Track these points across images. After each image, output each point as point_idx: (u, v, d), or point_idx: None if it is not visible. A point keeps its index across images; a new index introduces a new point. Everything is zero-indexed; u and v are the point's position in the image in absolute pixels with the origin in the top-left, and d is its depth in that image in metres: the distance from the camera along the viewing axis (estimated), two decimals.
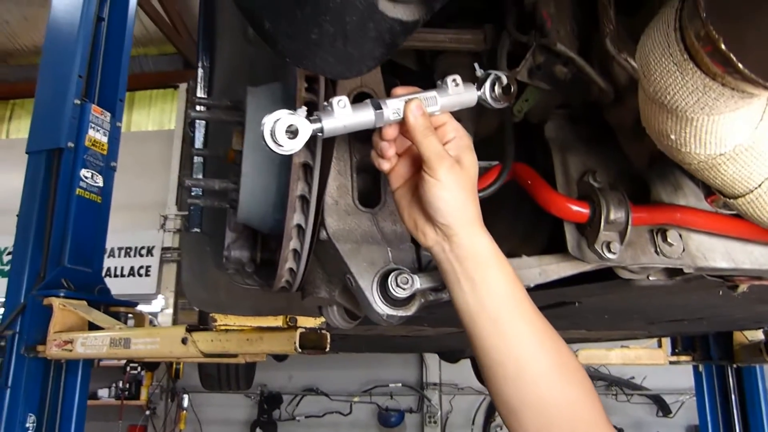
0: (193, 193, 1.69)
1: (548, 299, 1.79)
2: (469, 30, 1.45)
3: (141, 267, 10.61)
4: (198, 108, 1.48)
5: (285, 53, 0.85)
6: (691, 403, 8.27)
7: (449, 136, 1.04)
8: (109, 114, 4.12)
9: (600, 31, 1.21)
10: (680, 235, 1.37)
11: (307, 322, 2.42)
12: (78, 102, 3.91)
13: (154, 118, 12.50)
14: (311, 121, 0.94)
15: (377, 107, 0.98)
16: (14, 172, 9.94)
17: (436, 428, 9.77)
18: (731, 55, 0.75)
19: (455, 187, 0.99)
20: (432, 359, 9.75)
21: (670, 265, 1.37)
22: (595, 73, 1.31)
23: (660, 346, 5.33)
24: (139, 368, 9.42)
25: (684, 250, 1.36)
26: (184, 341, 2.73)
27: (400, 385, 10.01)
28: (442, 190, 0.99)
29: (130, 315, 3.90)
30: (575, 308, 2.02)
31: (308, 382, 10.17)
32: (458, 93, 1.05)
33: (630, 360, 5.29)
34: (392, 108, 1.00)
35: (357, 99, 1.26)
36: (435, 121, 1.04)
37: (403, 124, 1.01)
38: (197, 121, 1.85)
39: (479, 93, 1.09)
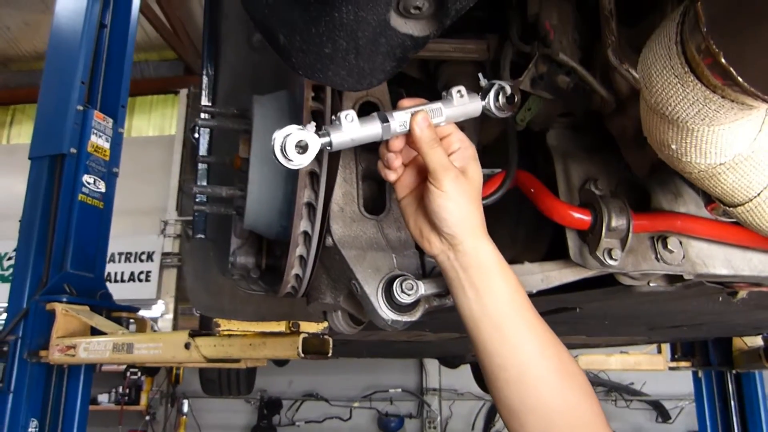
0: (197, 200, 1.71)
1: (549, 305, 1.80)
2: (473, 40, 1.47)
3: (141, 272, 10.61)
4: (204, 116, 1.50)
5: (298, 66, 0.87)
6: (690, 409, 8.27)
7: (454, 146, 1.06)
8: (111, 120, 4.13)
9: (602, 41, 1.23)
10: (680, 243, 1.39)
11: (309, 327, 2.42)
12: (80, 108, 3.92)
13: (155, 123, 12.51)
14: (320, 136, 0.96)
15: (384, 120, 1.00)
16: (15, 178, 9.97)
17: None
18: (731, 69, 0.77)
19: (460, 197, 1.01)
20: (432, 365, 9.75)
21: (671, 272, 1.39)
22: (597, 83, 1.33)
23: (659, 351, 5.35)
24: (139, 373, 9.41)
25: (684, 257, 1.38)
26: (187, 346, 2.73)
27: (400, 390, 10.00)
28: (447, 201, 1.01)
29: (131, 320, 3.91)
30: (576, 314, 2.03)
31: (308, 388, 10.16)
32: (463, 104, 1.07)
33: (629, 366, 5.30)
34: (399, 120, 1.01)
35: (363, 108, 1.28)
36: (440, 132, 1.06)
37: (409, 136, 1.03)
38: (202, 128, 1.87)
39: (483, 103, 1.10)
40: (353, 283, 1.21)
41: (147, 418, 9.77)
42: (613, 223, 1.28)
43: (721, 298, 1.70)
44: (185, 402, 9.88)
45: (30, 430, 3.31)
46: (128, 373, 9.32)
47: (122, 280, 10.52)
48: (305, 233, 1.27)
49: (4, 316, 3.61)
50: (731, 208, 1.08)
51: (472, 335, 1.05)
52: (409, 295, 1.15)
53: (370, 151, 1.30)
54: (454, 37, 1.46)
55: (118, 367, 8.64)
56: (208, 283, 2.09)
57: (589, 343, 4.10)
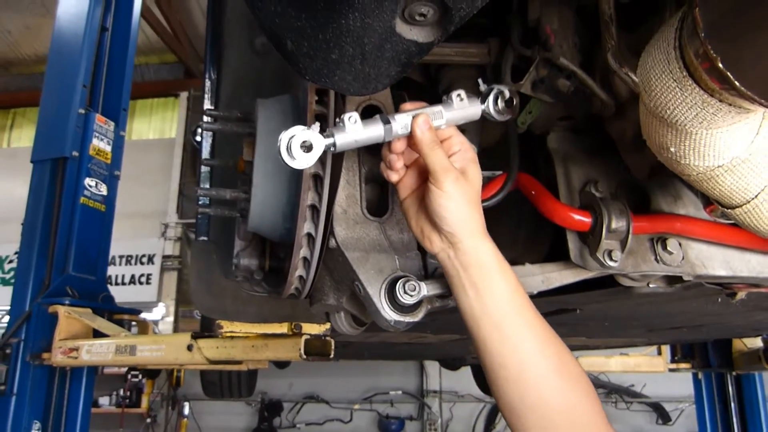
0: (201, 202, 1.72)
1: (550, 306, 1.82)
2: (474, 44, 1.49)
3: (142, 275, 10.62)
4: (208, 119, 1.52)
5: (305, 71, 0.89)
6: (690, 411, 8.28)
7: (454, 149, 1.09)
8: (112, 123, 4.15)
9: (602, 46, 1.24)
10: (680, 244, 1.40)
11: (311, 328, 2.44)
12: (82, 111, 3.94)
13: (155, 126, 12.53)
14: (324, 137, 0.99)
15: (386, 122, 1.03)
16: (15, 181, 9.99)
17: None
18: (728, 73, 0.79)
19: (460, 197, 1.04)
20: (432, 367, 9.76)
21: (670, 273, 1.40)
22: (597, 87, 1.34)
23: (660, 353, 5.36)
24: (140, 376, 9.41)
25: (683, 258, 1.39)
26: (189, 348, 2.75)
27: (401, 392, 10.01)
28: (447, 201, 1.03)
29: (133, 323, 3.92)
30: (576, 315, 2.05)
31: (309, 390, 10.17)
32: (463, 107, 1.09)
33: (630, 367, 5.31)
34: (400, 123, 1.04)
35: (366, 111, 1.30)
36: (441, 134, 1.08)
37: (410, 138, 1.06)
38: (204, 131, 1.88)
39: (483, 107, 1.12)
40: (356, 284, 1.22)
41: (148, 420, 9.78)
42: (613, 225, 1.29)
43: (720, 300, 1.71)
44: (186, 404, 9.89)
45: None
46: (129, 376, 9.31)
47: (123, 283, 10.53)
48: (309, 235, 1.28)
49: (6, 319, 3.62)
50: (729, 210, 1.10)
51: (472, 334, 1.07)
52: (411, 296, 1.16)
53: (373, 155, 1.32)
54: (456, 41, 1.48)
55: (119, 369, 8.63)
56: (210, 285, 2.10)
57: (589, 344, 4.11)
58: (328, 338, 2.49)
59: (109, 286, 4.03)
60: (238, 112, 1.52)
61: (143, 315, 4.16)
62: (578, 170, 1.46)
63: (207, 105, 1.93)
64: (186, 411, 9.87)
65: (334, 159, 1.25)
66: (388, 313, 1.18)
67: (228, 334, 2.55)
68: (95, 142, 3.99)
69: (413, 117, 1.04)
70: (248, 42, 1.82)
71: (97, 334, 3.39)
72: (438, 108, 1.07)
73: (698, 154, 0.97)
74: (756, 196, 1.03)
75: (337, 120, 1.01)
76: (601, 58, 1.26)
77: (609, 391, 9.24)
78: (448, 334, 3.21)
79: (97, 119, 4.01)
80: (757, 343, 4.68)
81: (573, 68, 1.33)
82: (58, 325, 3.32)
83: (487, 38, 1.49)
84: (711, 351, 5.12)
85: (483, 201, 1.18)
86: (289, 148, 0.96)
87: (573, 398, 1.02)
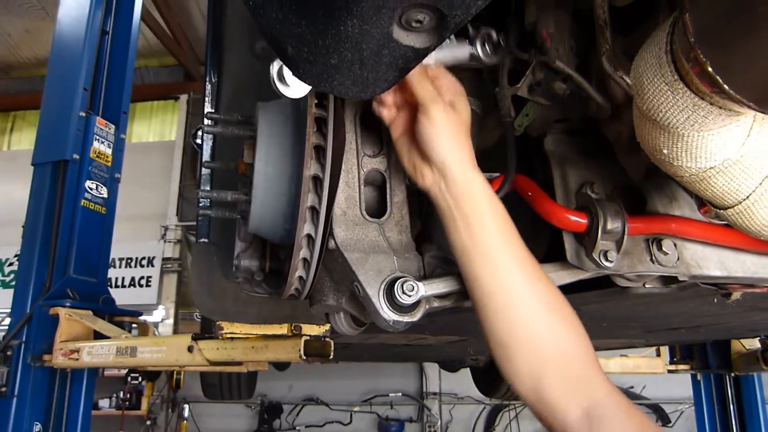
0: (201, 204, 1.74)
1: None
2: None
3: (142, 277, 10.64)
4: (209, 122, 1.53)
5: (305, 76, 0.91)
6: (690, 413, 8.27)
7: (444, 86, 1.13)
8: (113, 126, 4.17)
9: (597, 49, 1.26)
10: (675, 245, 1.41)
11: (311, 329, 2.45)
12: (83, 114, 3.97)
13: (155, 129, 12.55)
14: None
15: None
16: (15, 184, 10.01)
17: None
18: (718, 77, 0.81)
19: (449, 127, 1.07)
20: (432, 369, 9.77)
21: (666, 273, 1.41)
22: (593, 90, 1.36)
23: (658, 355, 5.37)
24: (139, 378, 9.43)
25: (679, 258, 1.41)
26: (190, 349, 2.76)
27: (400, 394, 10.02)
28: (435, 128, 1.07)
29: (134, 324, 3.94)
30: None
31: (308, 392, 10.17)
32: (451, 48, 1.12)
33: (629, 369, 5.31)
34: None
35: (364, 116, 1.32)
36: (431, 73, 1.13)
37: None
38: (205, 134, 1.90)
39: (470, 49, 1.15)
40: (355, 285, 1.24)
41: (148, 423, 9.79)
42: (609, 226, 1.30)
43: (715, 300, 1.72)
44: (186, 407, 9.90)
45: None
46: (129, 378, 9.34)
47: (123, 286, 10.55)
48: (309, 236, 1.30)
49: (7, 321, 3.64)
50: (722, 211, 1.11)
51: (461, 266, 1.10)
52: (409, 296, 1.18)
53: (373, 157, 1.34)
54: None
55: (119, 372, 8.67)
56: (211, 287, 2.11)
57: None
58: (327, 339, 2.50)
59: (109, 288, 4.05)
60: (238, 115, 1.53)
61: (143, 317, 4.18)
62: (575, 172, 1.48)
63: (208, 108, 1.94)
64: (186, 413, 9.88)
65: (334, 161, 1.27)
66: (387, 313, 1.19)
67: (228, 336, 2.57)
68: (96, 144, 4.01)
69: None
70: (248, 46, 1.83)
71: (98, 335, 3.41)
72: None
73: (690, 156, 0.99)
74: (747, 197, 1.05)
75: None
76: (597, 62, 1.28)
77: None
78: (447, 336, 3.22)
79: (97, 122, 4.04)
80: (755, 344, 4.70)
81: (569, 71, 1.34)
82: (59, 326, 3.34)
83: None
84: (710, 352, 5.14)
85: None
86: (281, 76, 0.98)
87: (564, 336, 1.03)
